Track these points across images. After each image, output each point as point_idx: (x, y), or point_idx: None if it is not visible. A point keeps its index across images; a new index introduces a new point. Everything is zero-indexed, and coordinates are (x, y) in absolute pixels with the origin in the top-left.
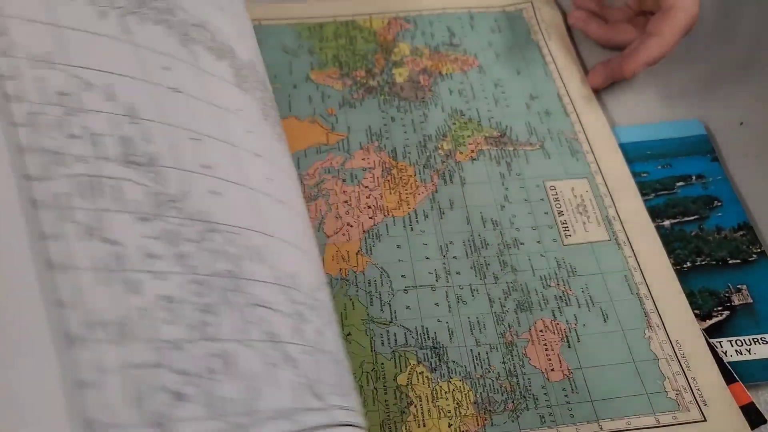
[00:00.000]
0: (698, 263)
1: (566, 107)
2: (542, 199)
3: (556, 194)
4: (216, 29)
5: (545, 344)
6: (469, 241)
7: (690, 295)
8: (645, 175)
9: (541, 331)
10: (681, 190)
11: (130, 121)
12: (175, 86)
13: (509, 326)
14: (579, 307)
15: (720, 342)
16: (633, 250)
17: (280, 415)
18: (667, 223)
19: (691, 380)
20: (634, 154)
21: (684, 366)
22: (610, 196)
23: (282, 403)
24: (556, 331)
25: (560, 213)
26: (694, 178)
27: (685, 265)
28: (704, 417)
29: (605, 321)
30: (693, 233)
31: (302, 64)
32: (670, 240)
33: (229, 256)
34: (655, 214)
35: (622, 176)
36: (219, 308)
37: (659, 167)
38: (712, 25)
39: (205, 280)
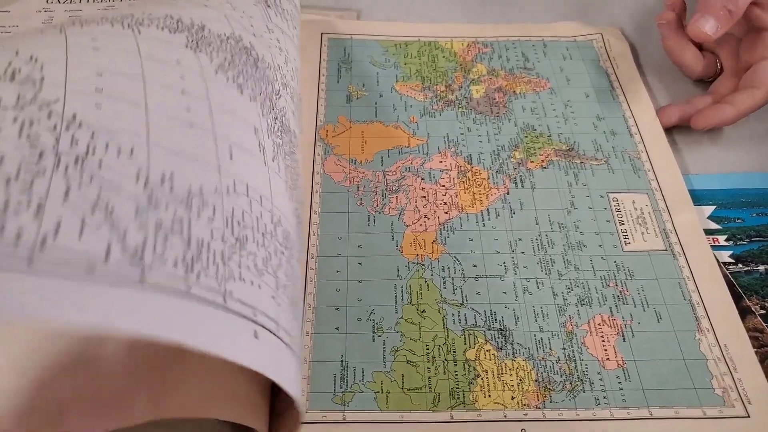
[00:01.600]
0: None
1: (631, 129)
2: (605, 209)
3: (618, 205)
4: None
5: (602, 336)
6: (536, 239)
7: None
8: (740, 221)
9: (599, 324)
10: None
11: None
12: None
13: (570, 317)
14: (635, 306)
15: None
16: (687, 261)
17: None
18: (761, 268)
19: (737, 381)
20: (728, 200)
21: (731, 368)
22: (668, 211)
23: None
24: (612, 326)
25: (621, 222)
26: None
27: None
28: (748, 414)
29: (659, 321)
30: None
31: (388, 76)
32: (764, 285)
33: None
34: (749, 259)
35: (679, 194)
36: None
37: (754, 215)
38: None
39: None
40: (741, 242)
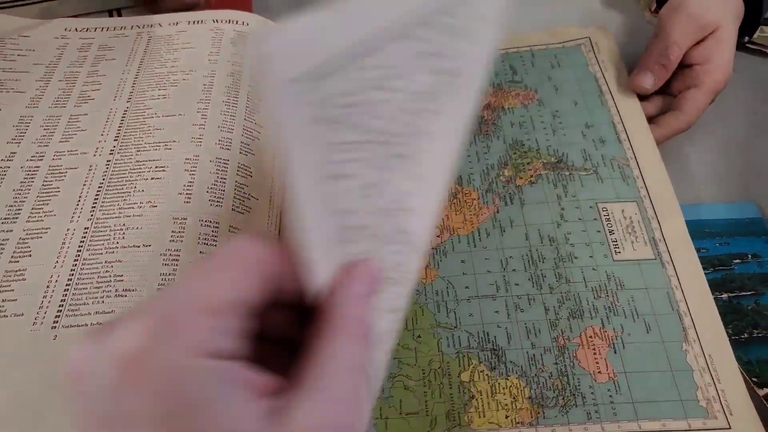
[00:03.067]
0: (755, 335)
1: (620, 135)
2: (595, 219)
3: (608, 215)
4: None
5: (594, 349)
6: (527, 255)
7: (747, 364)
8: (704, 250)
9: (590, 337)
10: (738, 267)
11: None
12: None
13: (562, 332)
14: (625, 317)
15: None
16: (675, 270)
17: None
18: (724, 296)
19: (720, 392)
20: (693, 230)
21: (715, 378)
22: (657, 219)
23: None
24: (604, 338)
25: (611, 232)
26: (750, 256)
27: (742, 336)
28: (729, 425)
29: (648, 332)
30: (750, 307)
31: None
32: (727, 312)
33: None
34: (713, 287)
35: (668, 201)
36: None
37: (717, 245)
38: None
39: None
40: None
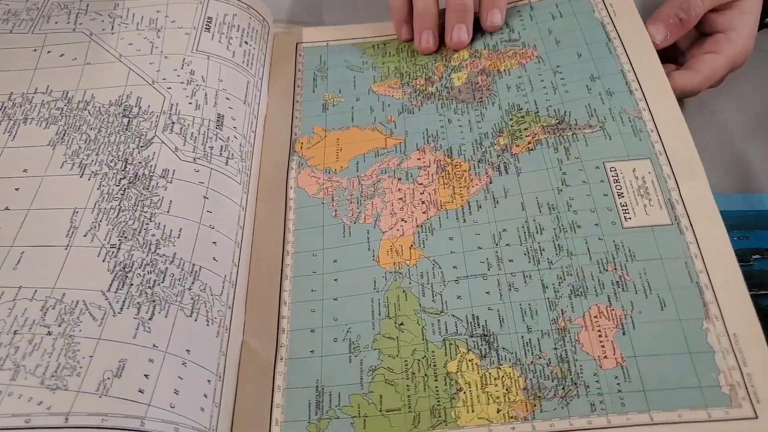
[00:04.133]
0: None
1: (630, 84)
2: (602, 181)
3: (616, 175)
4: None
5: (599, 330)
6: (523, 227)
7: None
8: None
9: (595, 316)
10: (757, 263)
11: None
12: None
13: (562, 312)
14: (636, 293)
15: None
16: (695, 236)
17: None
18: None
19: (746, 376)
20: None
21: (740, 361)
22: (674, 177)
23: None
24: (611, 318)
25: (620, 195)
26: None
27: None
28: (756, 414)
29: (662, 309)
30: None
31: (365, 78)
32: None
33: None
34: None
35: (688, 157)
36: None
37: (735, 238)
38: None
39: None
40: None
